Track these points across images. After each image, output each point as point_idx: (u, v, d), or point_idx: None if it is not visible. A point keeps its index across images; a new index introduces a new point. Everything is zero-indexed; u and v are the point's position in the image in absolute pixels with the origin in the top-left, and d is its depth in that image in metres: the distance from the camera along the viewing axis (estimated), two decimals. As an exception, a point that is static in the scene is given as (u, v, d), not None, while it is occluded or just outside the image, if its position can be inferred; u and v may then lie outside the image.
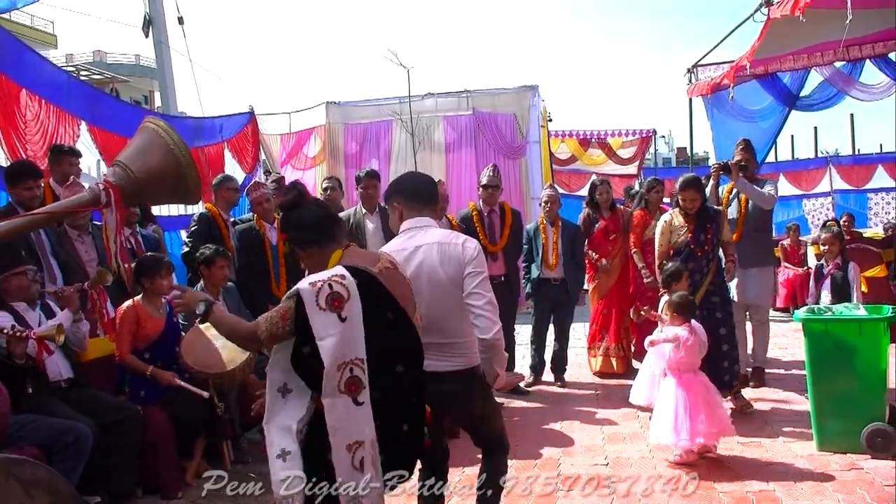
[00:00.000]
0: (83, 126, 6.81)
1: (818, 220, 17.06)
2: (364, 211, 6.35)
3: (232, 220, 6.54)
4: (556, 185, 8.33)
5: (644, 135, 17.26)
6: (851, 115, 29.56)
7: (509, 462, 4.44)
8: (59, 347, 4.15)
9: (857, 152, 24.71)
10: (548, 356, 7.16)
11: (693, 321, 4.89)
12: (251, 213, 6.57)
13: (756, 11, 7.23)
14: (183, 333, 4.84)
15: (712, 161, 9.84)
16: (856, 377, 4.69)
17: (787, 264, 10.92)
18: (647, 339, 5.00)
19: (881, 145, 25.21)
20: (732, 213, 6.35)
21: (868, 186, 18.47)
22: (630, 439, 5.23)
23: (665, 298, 5.30)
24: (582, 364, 7.62)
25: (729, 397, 5.56)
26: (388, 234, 6.22)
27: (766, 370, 6.56)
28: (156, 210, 7.26)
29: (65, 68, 11.05)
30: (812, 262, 10.47)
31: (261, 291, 5.87)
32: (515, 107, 11.63)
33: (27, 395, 3.96)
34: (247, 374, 4.73)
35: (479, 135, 11.56)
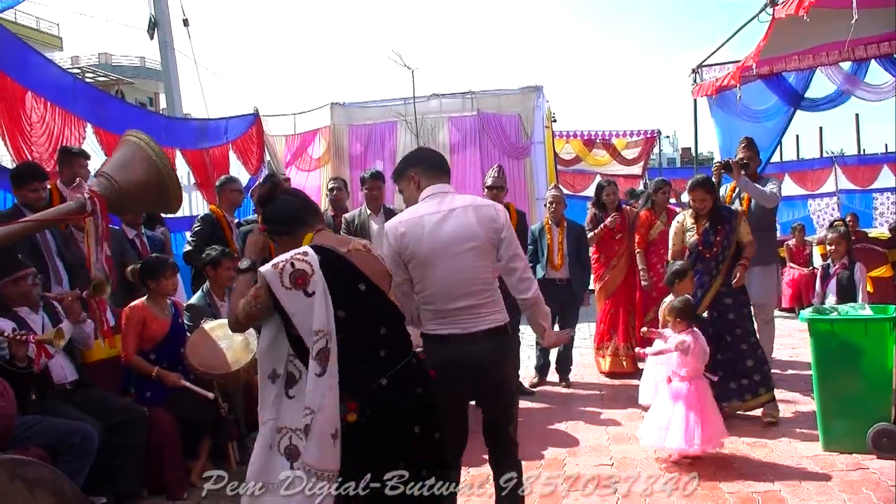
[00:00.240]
0: (89, 128, 6.83)
1: (823, 220, 17.06)
2: (369, 212, 6.36)
3: (236, 221, 6.55)
4: (560, 186, 8.32)
5: (648, 135, 17.24)
6: (857, 114, 29.61)
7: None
8: (62, 350, 4.16)
9: (862, 152, 24.71)
10: (553, 357, 7.15)
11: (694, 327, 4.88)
12: (256, 215, 6.57)
13: (761, 11, 7.22)
14: (188, 334, 4.85)
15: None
16: (862, 377, 4.68)
17: (792, 264, 10.88)
18: (651, 349, 5.00)
19: (886, 145, 25.19)
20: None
21: (873, 186, 18.45)
22: (635, 440, 5.22)
23: (668, 299, 5.29)
24: (587, 364, 7.62)
25: (760, 405, 5.44)
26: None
27: (772, 370, 6.53)
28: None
29: (70, 70, 11.09)
30: (817, 262, 10.44)
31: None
32: (520, 107, 11.63)
33: (31, 401, 3.96)
34: (251, 375, 4.71)
35: (483, 135, 11.57)
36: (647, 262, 7.09)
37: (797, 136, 35.28)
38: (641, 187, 14.25)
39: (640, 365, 6.53)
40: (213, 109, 11.78)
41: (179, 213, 8.58)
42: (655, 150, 19.15)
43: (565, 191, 9.01)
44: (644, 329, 5.32)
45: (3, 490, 2.59)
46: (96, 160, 5.81)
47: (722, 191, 6.42)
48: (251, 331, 4.71)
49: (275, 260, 2.59)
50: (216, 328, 4.79)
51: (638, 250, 7.14)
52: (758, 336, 5.75)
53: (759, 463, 4.67)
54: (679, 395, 4.70)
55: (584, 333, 8.58)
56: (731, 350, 5.45)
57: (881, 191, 18.26)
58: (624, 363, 7.19)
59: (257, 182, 8.47)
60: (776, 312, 6.95)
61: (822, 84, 9.70)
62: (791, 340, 8.09)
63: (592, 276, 7.40)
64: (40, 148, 6.05)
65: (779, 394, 5.85)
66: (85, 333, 4.48)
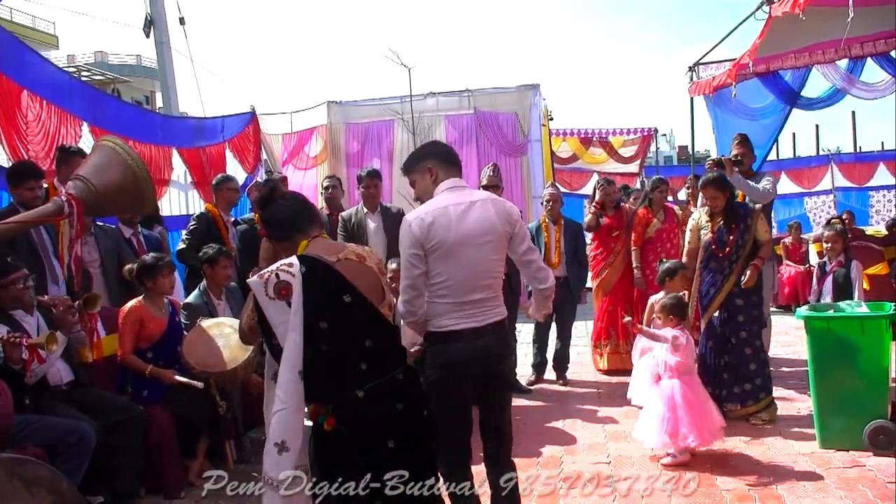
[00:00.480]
0: (85, 127, 6.81)
1: (820, 217, 17.11)
2: (366, 210, 6.36)
3: (233, 219, 6.55)
4: (557, 184, 8.33)
5: (645, 133, 17.28)
6: (853, 112, 29.62)
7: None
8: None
9: (858, 150, 24.76)
10: (550, 355, 7.16)
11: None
12: (252, 214, 6.58)
13: (757, 9, 7.24)
14: (185, 333, 4.85)
15: (714, 159, 9.84)
16: (858, 374, 4.69)
17: (788, 262, 10.90)
18: (638, 346, 5.01)
19: (882, 143, 25.25)
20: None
21: (870, 184, 18.52)
22: (632, 437, 5.22)
23: (658, 296, 5.30)
24: (584, 362, 7.63)
25: (761, 411, 5.40)
26: (390, 234, 6.25)
27: (769, 368, 6.54)
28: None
29: (66, 69, 11.06)
30: (814, 259, 10.47)
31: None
32: (517, 106, 11.62)
33: (26, 404, 3.95)
34: (249, 373, 4.74)
35: (480, 134, 11.56)
36: (644, 259, 7.10)
37: (794, 134, 35.31)
38: (638, 185, 14.31)
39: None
40: (209, 108, 11.79)
41: (177, 212, 8.62)
42: (652, 148, 19.19)
43: (562, 189, 9.02)
44: (627, 319, 5.25)
45: (1, 489, 2.60)
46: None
47: None
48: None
49: (263, 270, 2.63)
50: (213, 327, 4.79)
51: (634, 248, 7.15)
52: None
53: (756, 460, 4.68)
54: (671, 393, 4.70)
55: (581, 332, 8.59)
56: (735, 353, 5.45)
57: (877, 188, 18.32)
58: (625, 360, 7.19)
59: (254, 181, 8.47)
60: (772, 310, 6.95)
61: (818, 82, 9.74)
62: (787, 338, 8.10)
63: (591, 273, 7.41)
64: (36, 147, 6.03)
65: (775, 391, 5.86)
66: (82, 335, 4.46)
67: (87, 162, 3.35)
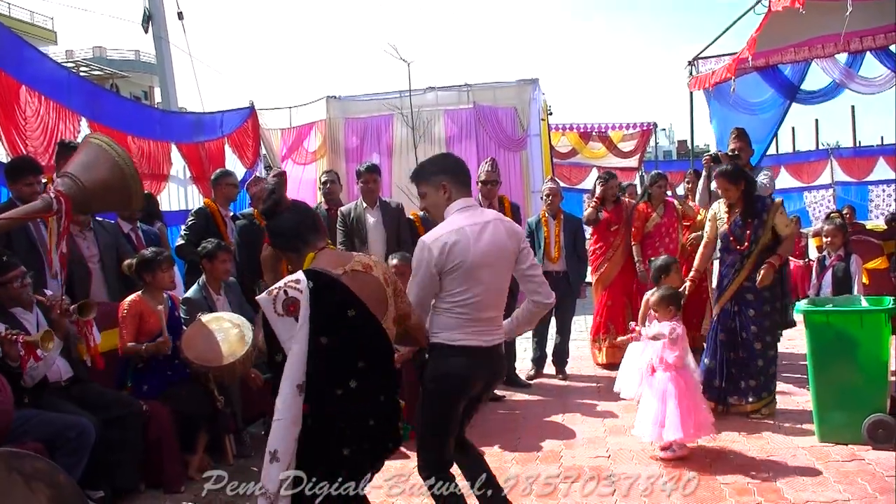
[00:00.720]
0: (84, 122, 6.80)
1: (819, 212, 17.09)
2: (365, 205, 6.35)
3: (231, 214, 6.54)
4: (556, 179, 8.33)
5: (645, 128, 17.25)
6: (852, 107, 29.58)
7: (511, 455, 4.43)
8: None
9: (858, 144, 24.75)
10: (549, 349, 7.17)
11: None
12: (251, 208, 6.57)
13: (757, 3, 7.23)
14: (184, 328, 4.85)
15: (713, 154, 9.83)
16: (857, 368, 4.70)
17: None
18: (648, 332, 4.97)
19: (882, 137, 25.29)
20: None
21: (869, 178, 18.48)
22: (631, 431, 5.23)
23: (651, 292, 5.29)
24: (583, 357, 7.63)
25: (761, 408, 5.41)
26: (389, 229, 6.25)
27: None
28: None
29: (65, 64, 11.04)
30: (813, 254, 10.46)
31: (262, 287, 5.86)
32: (516, 100, 11.60)
33: (24, 403, 3.95)
34: (248, 367, 4.74)
35: (479, 128, 11.54)
36: (643, 254, 7.10)
37: (793, 129, 35.24)
38: (637, 181, 14.30)
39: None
40: (208, 103, 11.78)
41: (176, 208, 8.61)
42: (652, 142, 19.18)
43: (562, 183, 9.01)
44: (637, 329, 5.19)
45: (0, 483, 2.60)
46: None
47: (713, 185, 6.40)
48: (246, 323, 4.74)
49: (271, 287, 2.66)
50: (212, 321, 4.79)
51: (634, 243, 7.16)
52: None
53: (755, 454, 4.69)
54: (667, 386, 4.70)
55: (581, 326, 8.59)
56: (744, 347, 5.44)
57: (877, 183, 18.28)
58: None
59: (253, 175, 8.45)
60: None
61: (817, 76, 9.72)
62: (787, 332, 8.09)
63: (590, 268, 7.42)
64: (35, 142, 6.02)
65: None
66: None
67: (75, 159, 3.36)
